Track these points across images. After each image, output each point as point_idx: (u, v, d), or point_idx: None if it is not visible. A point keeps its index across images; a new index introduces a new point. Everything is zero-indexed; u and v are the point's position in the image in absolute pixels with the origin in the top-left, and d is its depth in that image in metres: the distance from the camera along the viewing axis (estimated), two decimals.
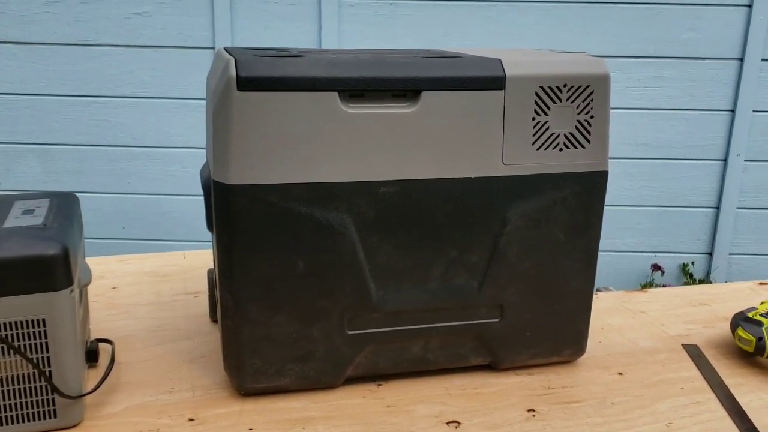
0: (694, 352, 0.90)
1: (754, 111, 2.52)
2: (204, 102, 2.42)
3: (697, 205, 2.63)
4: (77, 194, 0.86)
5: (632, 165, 2.57)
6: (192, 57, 2.39)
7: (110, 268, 1.14)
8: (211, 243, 0.84)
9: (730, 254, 2.67)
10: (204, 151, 2.44)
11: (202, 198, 0.76)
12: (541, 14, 2.42)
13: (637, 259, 2.68)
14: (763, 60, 2.46)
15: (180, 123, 2.45)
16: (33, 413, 0.68)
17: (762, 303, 0.90)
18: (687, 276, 2.67)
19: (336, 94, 0.69)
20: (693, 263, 2.68)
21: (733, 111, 2.53)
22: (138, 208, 2.53)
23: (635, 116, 2.52)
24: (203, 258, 1.19)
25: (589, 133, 0.76)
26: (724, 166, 2.58)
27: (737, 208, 2.62)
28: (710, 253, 2.68)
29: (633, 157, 2.56)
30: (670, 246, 2.67)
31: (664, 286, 2.63)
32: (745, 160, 2.57)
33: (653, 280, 2.68)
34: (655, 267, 2.65)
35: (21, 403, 0.67)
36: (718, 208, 2.63)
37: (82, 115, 2.43)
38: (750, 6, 2.42)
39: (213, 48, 2.38)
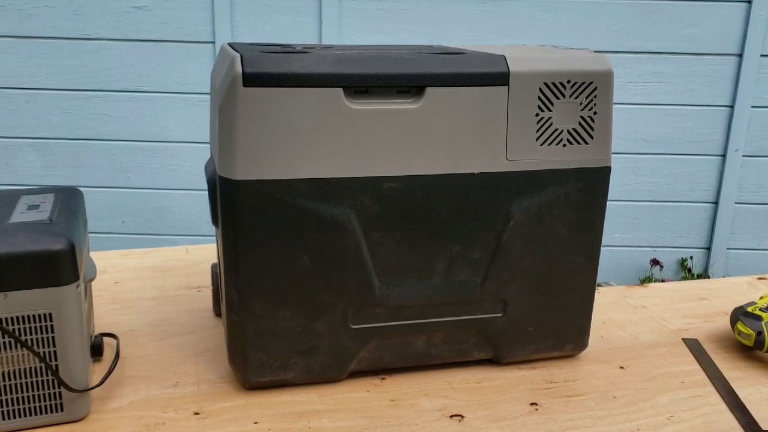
0: (694, 346, 0.91)
1: (752, 107, 2.52)
2: (204, 96, 2.42)
3: (696, 200, 2.64)
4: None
5: (631, 160, 2.57)
6: (192, 51, 2.39)
7: (112, 263, 1.14)
8: (212, 238, 0.84)
9: (728, 249, 2.68)
10: (206, 145, 2.43)
11: (202, 192, 0.77)
12: (541, 10, 2.42)
13: (636, 254, 2.69)
14: (762, 56, 2.47)
15: (179, 117, 2.45)
16: (40, 407, 0.68)
17: (761, 297, 0.91)
18: (685, 271, 2.68)
19: (341, 90, 0.69)
20: (691, 258, 2.69)
21: (732, 107, 2.53)
22: (137, 202, 2.52)
23: (634, 112, 2.52)
24: (205, 253, 1.20)
25: (592, 129, 0.77)
26: (723, 162, 2.59)
27: (735, 203, 2.63)
28: (708, 248, 2.69)
29: (632, 152, 2.56)
30: (669, 241, 2.68)
31: (662, 280, 2.64)
32: (744, 156, 2.57)
33: (652, 274, 2.69)
34: (654, 262, 2.66)
35: (28, 396, 0.68)
36: (716, 203, 2.63)
37: (82, 109, 2.43)
38: (749, 2, 2.42)
39: (213, 42, 2.38)
